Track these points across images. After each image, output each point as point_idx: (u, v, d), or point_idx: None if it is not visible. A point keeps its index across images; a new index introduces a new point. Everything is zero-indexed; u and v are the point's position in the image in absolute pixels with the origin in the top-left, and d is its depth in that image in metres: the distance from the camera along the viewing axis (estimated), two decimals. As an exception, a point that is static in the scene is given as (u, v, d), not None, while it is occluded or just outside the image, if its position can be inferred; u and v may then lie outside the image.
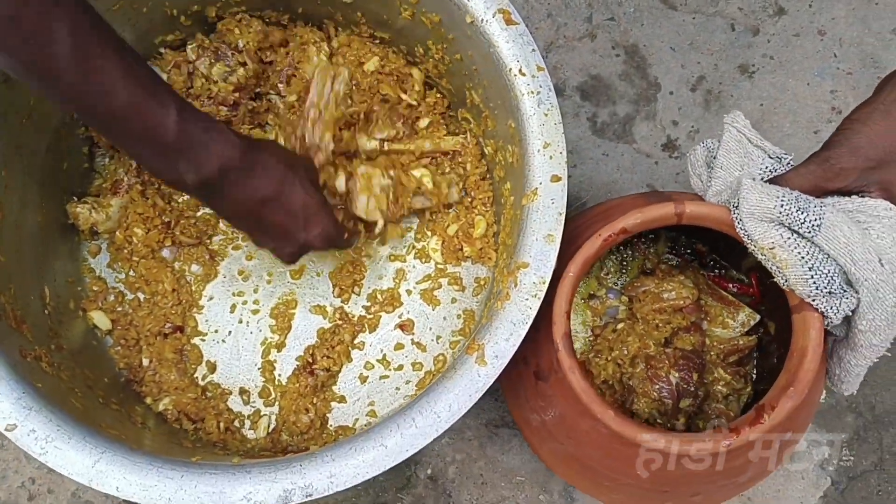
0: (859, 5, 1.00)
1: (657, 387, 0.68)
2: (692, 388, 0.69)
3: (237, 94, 0.84)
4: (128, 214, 0.84)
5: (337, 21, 0.86)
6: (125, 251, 0.85)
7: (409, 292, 0.86)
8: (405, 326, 0.86)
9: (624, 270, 0.79)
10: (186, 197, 0.87)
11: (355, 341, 0.86)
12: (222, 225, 0.87)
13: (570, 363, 0.61)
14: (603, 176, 0.95)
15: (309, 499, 0.59)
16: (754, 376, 0.76)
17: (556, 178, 0.65)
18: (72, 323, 0.80)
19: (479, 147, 0.85)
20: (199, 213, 0.87)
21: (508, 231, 0.76)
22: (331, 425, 0.84)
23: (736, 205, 0.62)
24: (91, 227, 0.84)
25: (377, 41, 0.86)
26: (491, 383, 0.62)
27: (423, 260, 0.87)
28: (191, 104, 0.59)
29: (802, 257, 0.59)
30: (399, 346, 0.85)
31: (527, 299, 0.63)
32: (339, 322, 0.86)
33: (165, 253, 0.86)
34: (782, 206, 0.59)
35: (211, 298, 0.86)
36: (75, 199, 0.83)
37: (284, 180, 0.63)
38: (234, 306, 0.86)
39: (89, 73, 0.52)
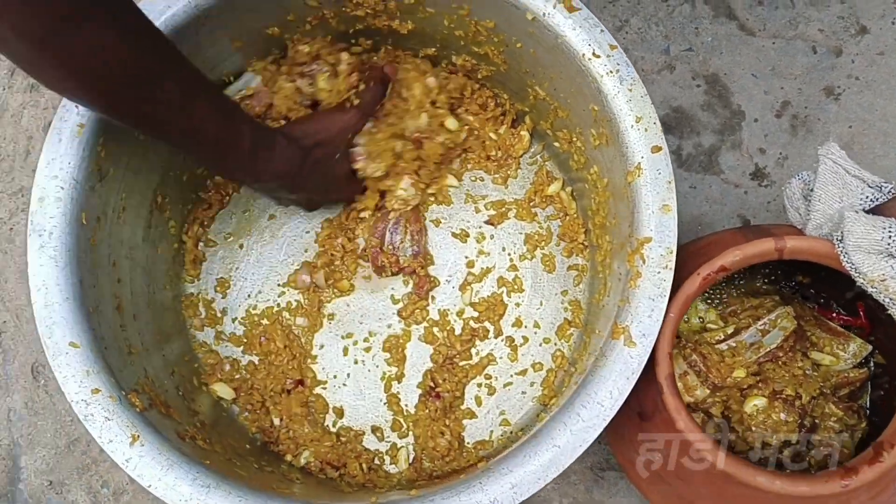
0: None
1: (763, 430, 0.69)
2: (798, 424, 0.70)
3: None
4: None
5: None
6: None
7: (510, 293, 0.87)
8: (515, 328, 0.86)
9: (716, 302, 0.79)
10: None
11: (470, 356, 0.86)
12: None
13: (676, 404, 0.62)
14: (692, 209, 0.94)
15: (497, 513, 0.60)
16: (868, 410, 0.75)
17: (656, 149, 0.65)
18: (200, 398, 0.81)
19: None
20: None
21: (605, 213, 0.76)
22: (468, 443, 0.84)
23: (840, 238, 0.62)
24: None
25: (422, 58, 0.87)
26: (645, 362, 0.62)
27: (510, 256, 0.87)
28: (258, 124, 0.72)
29: (915, 287, 0.58)
30: (514, 349, 0.86)
31: (658, 272, 0.63)
32: (449, 341, 0.86)
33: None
34: (890, 236, 0.58)
35: (322, 347, 0.87)
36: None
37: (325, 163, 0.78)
38: (346, 349, 0.87)
39: (192, 117, 0.62)
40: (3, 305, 0.97)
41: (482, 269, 0.88)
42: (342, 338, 0.87)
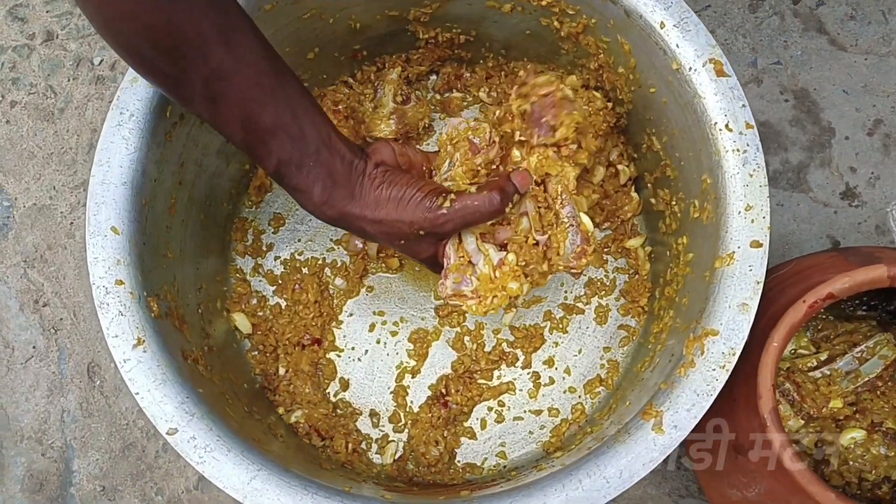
0: None
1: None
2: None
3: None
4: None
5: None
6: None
7: (552, 329, 0.83)
8: (545, 365, 0.83)
9: (807, 326, 0.74)
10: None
11: (491, 377, 0.83)
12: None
13: (782, 440, 0.57)
14: (779, 227, 0.90)
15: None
16: None
17: (756, 244, 0.61)
18: (217, 322, 0.80)
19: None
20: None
21: (678, 288, 0.72)
22: (458, 461, 0.81)
23: None
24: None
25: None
26: (667, 455, 0.58)
27: (565, 294, 0.84)
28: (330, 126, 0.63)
29: None
30: (536, 386, 0.82)
31: (713, 370, 0.59)
32: (476, 355, 0.83)
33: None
34: None
35: (351, 315, 0.85)
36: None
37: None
38: (373, 325, 0.84)
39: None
40: (60, 302, 0.94)
41: (534, 296, 0.84)
42: (373, 313, 0.85)
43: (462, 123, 0.70)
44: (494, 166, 0.69)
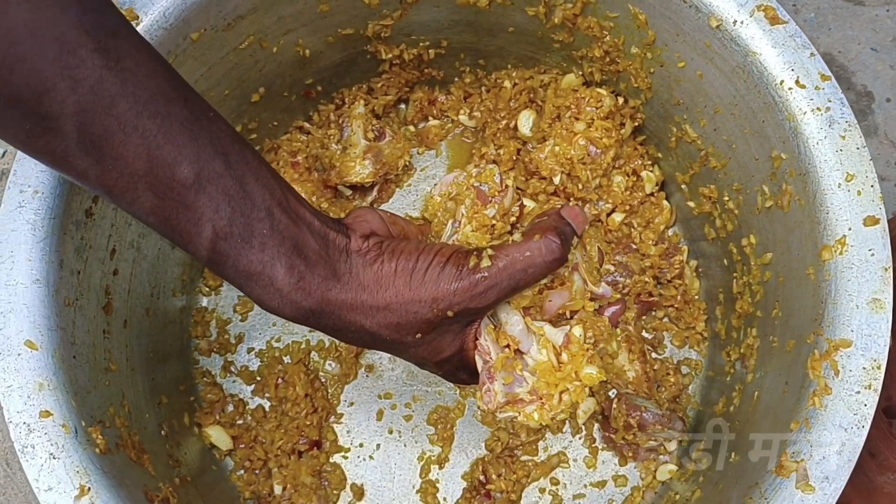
0: None
1: None
2: None
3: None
4: None
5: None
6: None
7: (602, 382, 0.67)
8: (601, 423, 0.67)
9: None
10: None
11: (537, 450, 0.67)
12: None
13: None
14: None
15: None
16: None
17: (872, 221, 0.47)
18: (187, 443, 0.63)
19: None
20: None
21: (758, 300, 0.58)
22: (517, 564, 0.64)
23: None
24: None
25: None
26: (824, 519, 0.43)
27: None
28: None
29: None
30: (593, 452, 0.67)
31: (857, 392, 0.44)
32: (514, 429, 0.67)
33: None
34: None
35: (352, 404, 0.69)
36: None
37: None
38: (380, 412, 0.68)
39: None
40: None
41: (569, 342, 0.69)
42: (379, 397, 0.69)
43: (460, 176, 0.55)
44: (514, 219, 0.53)
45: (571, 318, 0.49)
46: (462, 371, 0.50)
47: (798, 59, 0.50)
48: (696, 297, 0.69)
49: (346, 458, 0.68)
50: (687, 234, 0.71)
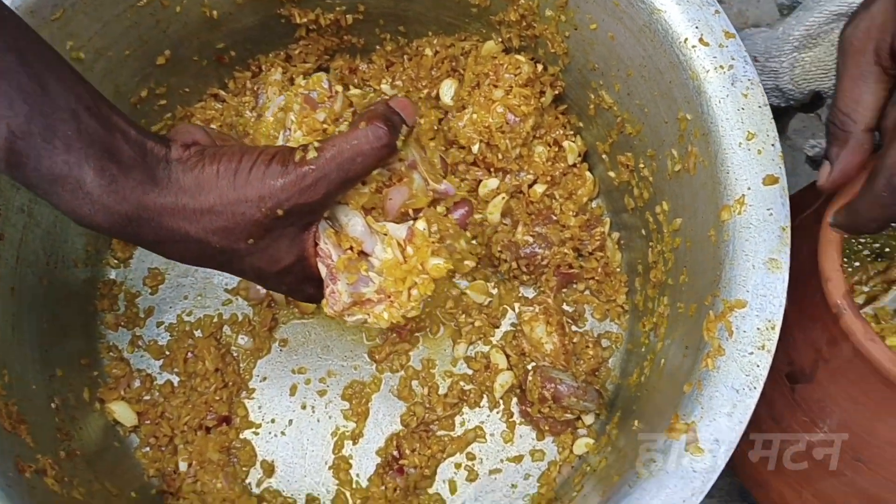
0: None
1: None
2: None
3: None
4: None
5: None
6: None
7: (521, 355, 0.66)
8: (519, 397, 0.66)
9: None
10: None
11: (453, 425, 0.65)
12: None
13: (865, 329, 0.43)
14: None
15: None
16: None
17: (771, 179, 0.46)
18: (86, 419, 0.60)
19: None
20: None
21: (670, 267, 0.57)
22: (430, 540, 0.63)
23: None
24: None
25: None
26: (713, 482, 0.41)
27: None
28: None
29: None
30: (511, 427, 0.65)
31: (750, 353, 0.43)
32: (430, 401, 0.66)
33: None
34: None
35: (265, 379, 0.67)
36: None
37: None
38: (294, 387, 0.66)
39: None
40: None
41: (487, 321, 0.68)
42: (292, 372, 0.67)
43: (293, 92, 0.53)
44: (346, 123, 0.50)
45: (416, 217, 0.48)
46: (307, 284, 0.48)
47: (702, 16, 0.49)
48: (618, 269, 0.68)
49: (256, 434, 0.65)
50: (610, 206, 0.70)
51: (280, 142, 0.50)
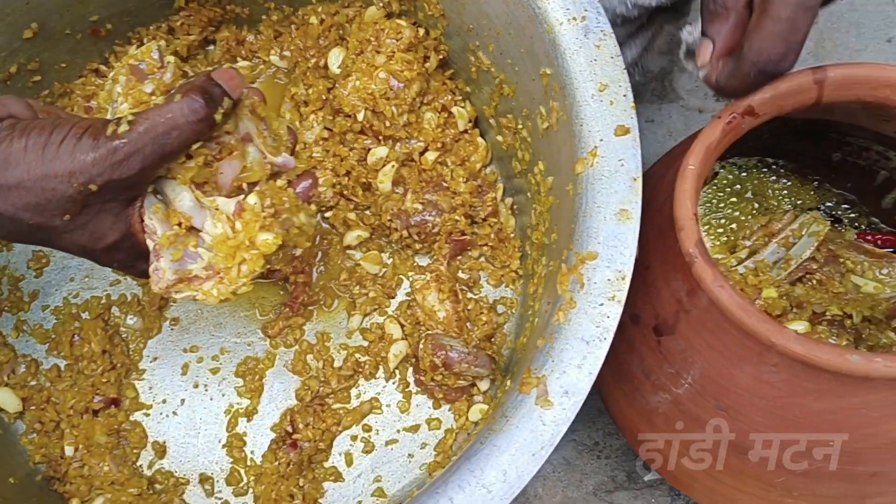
0: None
1: None
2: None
3: None
4: None
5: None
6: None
7: (415, 324, 0.65)
8: (414, 367, 0.65)
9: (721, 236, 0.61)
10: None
11: (349, 398, 0.65)
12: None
13: (714, 275, 0.42)
14: (653, 146, 0.77)
15: None
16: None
17: (623, 130, 0.45)
18: (-36, 406, 0.59)
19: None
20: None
21: (547, 227, 0.56)
22: (326, 513, 0.62)
23: None
24: None
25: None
26: (562, 434, 0.41)
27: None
28: None
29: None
30: (407, 397, 0.65)
31: (601, 304, 0.43)
32: (326, 376, 0.65)
33: None
34: None
35: (156, 359, 0.66)
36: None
37: None
38: (186, 366, 0.65)
39: None
40: None
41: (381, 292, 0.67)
42: (184, 351, 0.66)
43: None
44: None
45: (251, 191, 0.47)
46: (139, 260, 0.47)
47: (554, -33, 0.48)
48: (512, 235, 0.68)
49: (147, 415, 0.64)
50: (503, 172, 0.69)
51: (109, 115, 0.48)
